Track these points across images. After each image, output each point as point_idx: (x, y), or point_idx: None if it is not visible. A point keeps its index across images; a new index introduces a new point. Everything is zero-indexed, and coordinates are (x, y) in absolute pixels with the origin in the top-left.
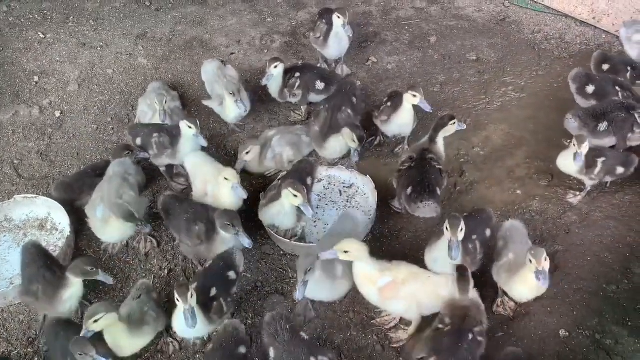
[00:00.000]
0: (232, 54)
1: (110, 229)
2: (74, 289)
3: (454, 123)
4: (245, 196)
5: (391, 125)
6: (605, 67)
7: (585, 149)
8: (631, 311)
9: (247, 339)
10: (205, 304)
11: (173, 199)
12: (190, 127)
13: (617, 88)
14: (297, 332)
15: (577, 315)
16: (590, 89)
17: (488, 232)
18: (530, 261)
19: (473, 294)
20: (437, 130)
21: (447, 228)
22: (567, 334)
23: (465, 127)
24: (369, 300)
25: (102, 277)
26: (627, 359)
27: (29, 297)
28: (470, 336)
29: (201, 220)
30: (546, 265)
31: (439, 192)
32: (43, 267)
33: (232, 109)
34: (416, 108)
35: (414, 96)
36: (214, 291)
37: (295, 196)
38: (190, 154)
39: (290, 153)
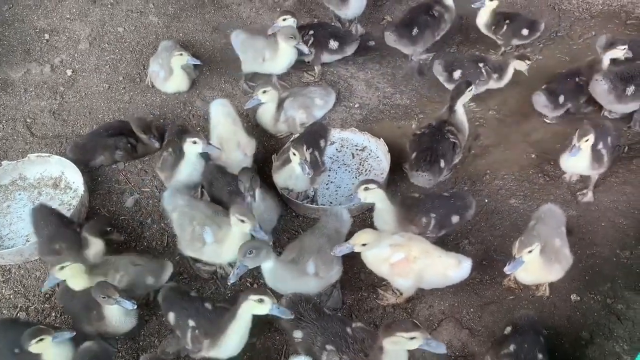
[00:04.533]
0: None
1: (227, 247)
2: (95, 247)
3: (471, 90)
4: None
5: None
6: None
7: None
8: None
9: None
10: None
11: (216, 169)
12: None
13: None
14: (320, 309)
15: (589, 280)
16: None
17: (455, 219)
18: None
19: None
20: (454, 99)
21: (294, 153)
22: (578, 298)
23: None
24: (377, 274)
25: (115, 235)
26: (638, 323)
27: (51, 255)
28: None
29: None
30: (526, 257)
31: (442, 164)
32: (61, 225)
33: (286, 56)
34: None
35: None
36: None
37: (294, 154)
38: (218, 103)
39: (302, 116)
